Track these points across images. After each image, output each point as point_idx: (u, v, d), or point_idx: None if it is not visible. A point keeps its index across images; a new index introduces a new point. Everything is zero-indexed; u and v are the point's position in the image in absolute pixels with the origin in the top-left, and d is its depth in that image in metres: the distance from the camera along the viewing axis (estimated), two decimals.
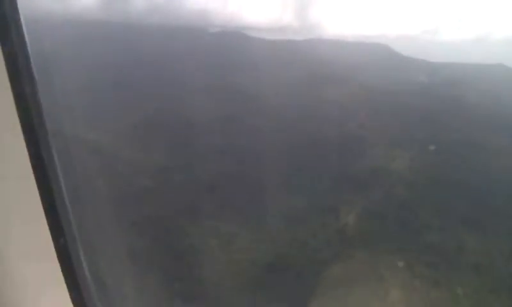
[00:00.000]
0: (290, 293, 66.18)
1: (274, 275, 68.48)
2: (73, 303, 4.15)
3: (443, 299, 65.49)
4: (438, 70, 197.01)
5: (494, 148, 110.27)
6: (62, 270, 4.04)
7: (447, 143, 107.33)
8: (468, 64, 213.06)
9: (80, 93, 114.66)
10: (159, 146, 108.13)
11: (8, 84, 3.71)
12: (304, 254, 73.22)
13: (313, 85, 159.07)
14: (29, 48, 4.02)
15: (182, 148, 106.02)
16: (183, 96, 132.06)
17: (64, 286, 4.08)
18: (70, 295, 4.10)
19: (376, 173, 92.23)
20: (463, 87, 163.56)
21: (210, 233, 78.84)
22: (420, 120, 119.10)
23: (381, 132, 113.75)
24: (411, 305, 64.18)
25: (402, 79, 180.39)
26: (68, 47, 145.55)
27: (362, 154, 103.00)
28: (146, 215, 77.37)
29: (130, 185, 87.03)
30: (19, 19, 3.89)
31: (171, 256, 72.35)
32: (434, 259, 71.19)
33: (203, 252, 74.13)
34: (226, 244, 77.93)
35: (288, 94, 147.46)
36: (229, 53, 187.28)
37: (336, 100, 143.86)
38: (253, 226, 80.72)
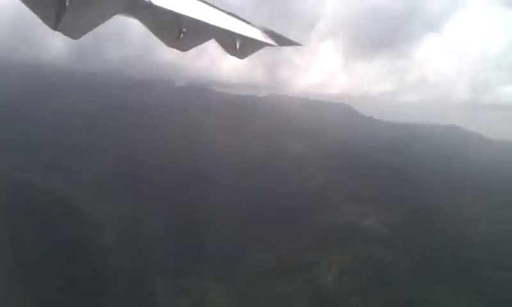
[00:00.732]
0: None
1: None
2: None
3: None
4: (397, 130, 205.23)
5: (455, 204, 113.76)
6: None
7: (415, 200, 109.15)
8: (425, 124, 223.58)
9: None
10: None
11: None
12: None
13: (279, 139, 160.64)
14: None
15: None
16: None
17: None
18: None
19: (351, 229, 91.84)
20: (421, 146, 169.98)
21: None
22: (389, 177, 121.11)
23: (350, 189, 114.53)
24: None
25: (365, 137, 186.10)
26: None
27: (334, 209, 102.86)
28: None
29: None
30: None
31: None
32: None
33: None
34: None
35: (253, 147, 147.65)
36: (194, 106, 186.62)
37: (305, 155, 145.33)
38: None
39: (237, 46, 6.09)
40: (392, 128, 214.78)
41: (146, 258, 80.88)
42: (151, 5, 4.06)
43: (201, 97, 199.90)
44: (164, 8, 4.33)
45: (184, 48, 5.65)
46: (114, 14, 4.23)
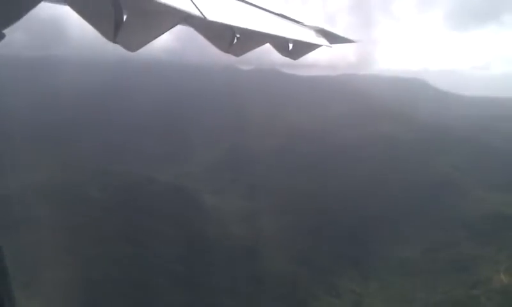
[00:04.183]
0: None
1: None
2: None
3: None
4: (480, 105, 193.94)
5: None
6: None
7: None
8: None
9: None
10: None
11: None
12: None
13: (366, 120, 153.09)
14: None
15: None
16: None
17: None
18: None
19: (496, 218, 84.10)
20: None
21: None
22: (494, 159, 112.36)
23: (469, 173, 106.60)
24: None
25: (447, 113, 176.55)
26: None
27: (465, 198, 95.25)
28: None
29: None
30: None
31: None
32: None
33: None
34: None
35: (342, 130, 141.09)
36: (268, 89, 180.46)
37: (396, 136, 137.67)
38: None
39: (290, 47, 6.10)
40: (478, 102, 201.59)
41: (288, 256, 76.24)
42: (205, 20, 4.11)
43: (273, 80, 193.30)
44: (217, 22, 4.38)
45: (238, 53, 5.64)
46: (171, 27, 4.20)
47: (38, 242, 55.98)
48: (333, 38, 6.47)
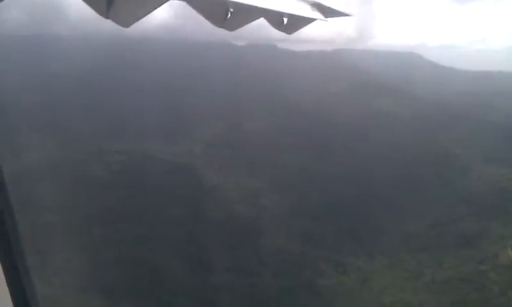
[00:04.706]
0: None
1: None
2: None
3: None
4: (480, 80, 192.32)
5: None
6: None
7: None
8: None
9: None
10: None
11: None
12: None
13: (363, 96, 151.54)
14: None
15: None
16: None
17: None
18: None
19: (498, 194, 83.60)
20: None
21: None
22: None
23: (469, 148, 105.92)
24: None
25: (444, 88, 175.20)
26: None
27: (466, 173, 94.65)
28: None
29: None
30: None
31: None
32: None
33: None
34: None
35: (343, 106, 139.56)
36: (264, 65, 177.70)
37: (394, 110, 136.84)
38: None
39: (285, 22, 5.92)
40: (478, 77, 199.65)
41: (293, 234, 75.47)
42: None
43: (268, 55, 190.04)
44: None
45: (232, 28, 5.57)
46: (163, 2, 4.19)
47: (41, 223, 54.53)
48: (328, 12, 6.37)
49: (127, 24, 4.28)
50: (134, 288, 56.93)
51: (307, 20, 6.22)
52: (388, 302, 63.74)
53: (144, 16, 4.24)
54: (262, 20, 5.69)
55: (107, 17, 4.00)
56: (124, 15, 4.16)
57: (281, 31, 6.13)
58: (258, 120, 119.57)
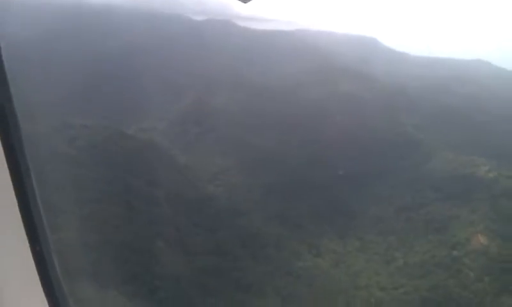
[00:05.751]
0: None
1: None
2: (48, 304, 4.42)
3: None
4: (433, 65, 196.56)
5: None
6: (38, 274, 4.31)
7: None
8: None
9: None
10: None
11: None
12: None
13: (323, 77, 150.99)
14: None
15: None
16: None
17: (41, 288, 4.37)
18: (46, 296, 4.40)
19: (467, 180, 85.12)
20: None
21: None
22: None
23: (431, 134, 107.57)
24: None
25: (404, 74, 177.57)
26: None
27: (429, 159, 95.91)
28: None
29: None
30: None
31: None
32: None
33: None
34: None
35: (306, 89, 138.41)
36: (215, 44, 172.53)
37: (359, 94, 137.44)
38: None
39: None
40: (435, 63, 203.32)
41: (266, 216, 73.80)
42: None
43: (227, 32, 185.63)
44: None
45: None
46: None
47: None
48: None
49: None
50: (100, 271, 53.29)
51: None
52: (364, 285, 63.89)
53: None
54: None
55: None
56: None
57: None
58: (222, 98, 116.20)
